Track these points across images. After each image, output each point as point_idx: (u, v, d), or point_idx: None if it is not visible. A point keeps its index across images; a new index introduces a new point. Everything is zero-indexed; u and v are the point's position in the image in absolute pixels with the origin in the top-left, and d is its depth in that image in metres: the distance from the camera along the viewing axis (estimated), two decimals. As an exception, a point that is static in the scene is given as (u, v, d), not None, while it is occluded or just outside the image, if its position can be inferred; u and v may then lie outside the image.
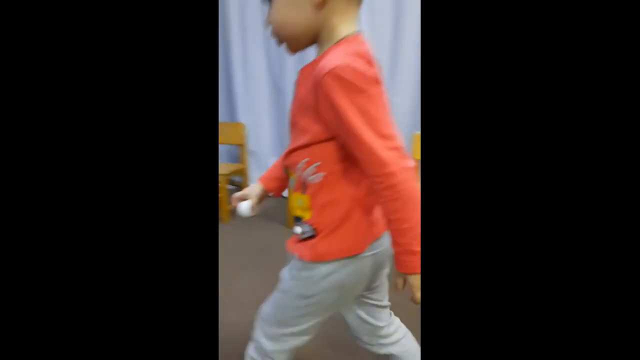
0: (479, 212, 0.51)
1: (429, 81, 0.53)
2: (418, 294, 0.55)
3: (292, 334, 0.60)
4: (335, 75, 0.49)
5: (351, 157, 0.54)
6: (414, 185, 0.53)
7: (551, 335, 0.49)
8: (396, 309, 0.85)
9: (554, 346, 0.48)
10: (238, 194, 0.74)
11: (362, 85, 0.49)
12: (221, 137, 3.14)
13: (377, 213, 0.59)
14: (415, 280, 0.55)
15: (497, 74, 0.50)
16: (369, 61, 0.52)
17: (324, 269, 0.57)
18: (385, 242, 0.61)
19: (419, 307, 0.57)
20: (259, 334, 0.64)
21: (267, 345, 0.61)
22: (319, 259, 0.57)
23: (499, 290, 0.50)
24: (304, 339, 0.63)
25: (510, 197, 0.50)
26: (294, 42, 0.55)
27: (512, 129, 0.50)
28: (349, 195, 0.57)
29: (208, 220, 0.54)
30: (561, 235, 0.49)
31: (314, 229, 0.58)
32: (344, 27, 0.53)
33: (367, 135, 0.50)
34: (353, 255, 0.57)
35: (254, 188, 0.73)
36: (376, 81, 0.52)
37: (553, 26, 0.48)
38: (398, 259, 0.54)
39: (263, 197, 0.74)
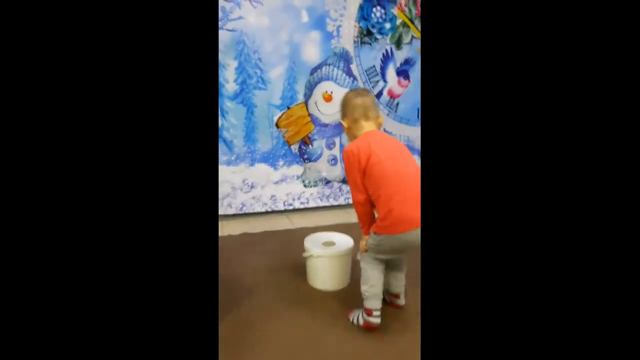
0: (476, 212, 0.51)
1: (429, 81, 0.53)
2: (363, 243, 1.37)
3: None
4: (344, 151, 1.35)
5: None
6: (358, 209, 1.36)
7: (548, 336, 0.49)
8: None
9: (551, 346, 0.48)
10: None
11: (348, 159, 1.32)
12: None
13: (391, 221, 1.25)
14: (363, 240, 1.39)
15: (494, 75, 0.50)
16: (358, 146, 1.30)
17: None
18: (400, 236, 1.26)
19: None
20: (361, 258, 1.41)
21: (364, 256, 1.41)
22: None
23: (497, 290, 0.50)
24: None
25: (506, 199, 0.50)
26: (350, 140, 1.43)
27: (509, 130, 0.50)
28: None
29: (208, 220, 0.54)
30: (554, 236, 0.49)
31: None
32: (358, 133, 1.38)
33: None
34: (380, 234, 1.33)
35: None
36: (353, 154, 1.30)
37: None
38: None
39: None
